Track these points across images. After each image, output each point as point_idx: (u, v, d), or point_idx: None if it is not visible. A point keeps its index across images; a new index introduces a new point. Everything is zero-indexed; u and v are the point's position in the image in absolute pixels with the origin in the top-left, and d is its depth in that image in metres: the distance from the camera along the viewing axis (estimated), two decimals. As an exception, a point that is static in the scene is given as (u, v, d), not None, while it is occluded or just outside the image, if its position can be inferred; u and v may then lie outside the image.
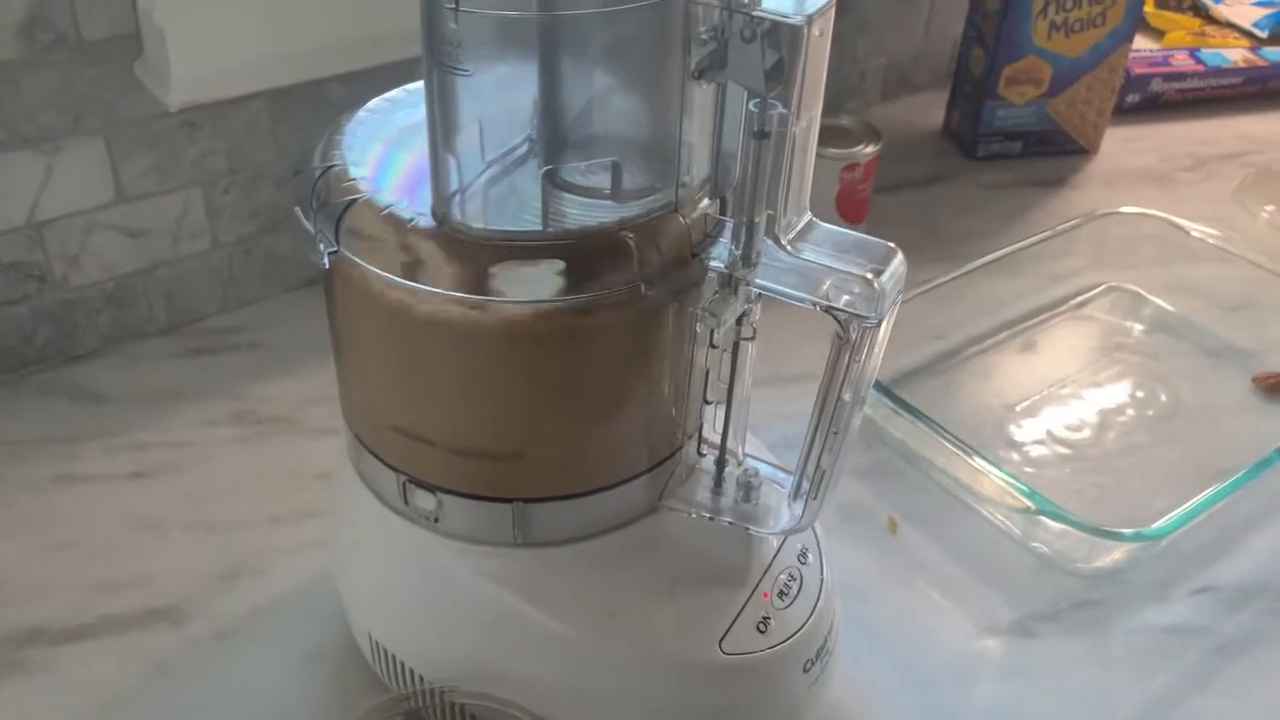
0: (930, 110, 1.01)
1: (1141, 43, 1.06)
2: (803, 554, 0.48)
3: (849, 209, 0.82)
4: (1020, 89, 0.92)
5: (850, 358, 0.39)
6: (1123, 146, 0.98)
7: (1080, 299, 0.79)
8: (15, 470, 0.62)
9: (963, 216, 0.88)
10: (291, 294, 0.76)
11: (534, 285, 0.37)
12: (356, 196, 0.38)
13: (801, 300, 0.38)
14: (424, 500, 0.43)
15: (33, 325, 0.67)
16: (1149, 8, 1.16)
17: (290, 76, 0.66)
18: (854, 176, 0.81)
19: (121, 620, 0.55)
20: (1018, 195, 0.91)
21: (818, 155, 0.39)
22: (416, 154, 0.40)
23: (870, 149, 0.81)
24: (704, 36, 0.35)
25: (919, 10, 1.00)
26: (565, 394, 0.41)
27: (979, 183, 0.93)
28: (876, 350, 0.39)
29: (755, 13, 0.34)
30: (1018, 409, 0.70)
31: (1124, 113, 1.01)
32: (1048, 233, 0.78)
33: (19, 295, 0.66)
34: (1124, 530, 0.56)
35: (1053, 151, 0.96)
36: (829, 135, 0.81)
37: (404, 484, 0.44)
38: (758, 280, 0.39)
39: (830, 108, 0.38)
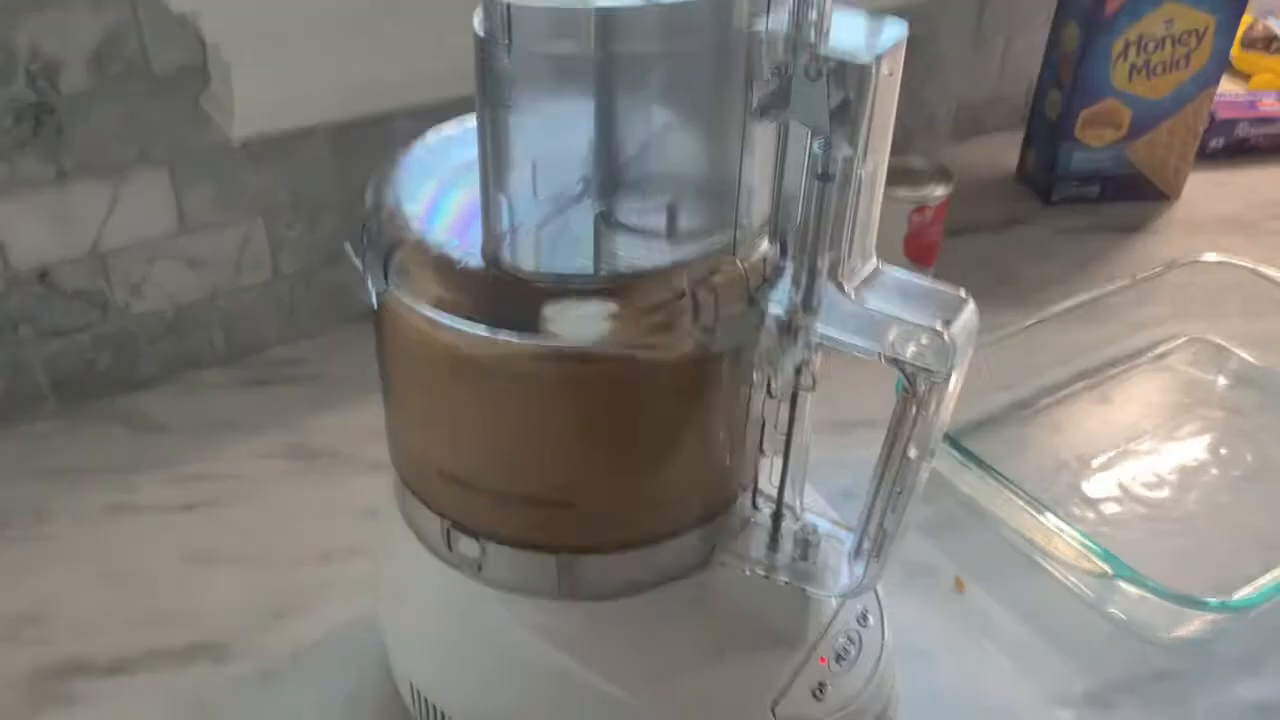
0: (1003, 152, 0.98)
1: (1226, 85, 1.02)
2: (862, 616, 0.45)
3: (917, 252, 0.80)
4: (1098, 132, 0.89)
5: (917, 413, 0.37)
6: (1206, 192, 0.95)
7: (1159, 350, 0.76)
8: (70, 499, 0.62)
9: (1037, 262, 0.85)
10: (351, 325, 0.76)
11: (585, 328, 0.36)
12: (407, 235, 0.38)
13: (865, 351, 0.36)
14: (468, 547, 0.42)
15: (94, 353, 0.68)
16: (1234, 49, 1.12)
17: (355, 110, 0.66)
18: (924, 219, 0.79)
19: (166, 656, 0.54)
20: (1095, 241, 0.88)
21: (886, 196, 0.38)
22: (470, 192, 0.39)
23: (941, 191, 0.79)
24: (766, 74, 0.34)
25: (993, 51, 0.98)
26: (614, 441, 0.39)
27: (1054, 227, 0.90)
28: (945, 406, 0.37)
29: (821, 50, 0.32)
30: (1093, 464, 0.66)
31: (1207, 157, 0.98)
32: (1126, 281, 0.75)
33: (81, 323, 0.66)
34: (1209, 599, 0.53)
35: (1132, 196, 0.92)
36: (898, 176, 0.79)
37: (448, 530, 0.42)
38: (819, 328, 0.37)
39: (899, 147, 0.37)
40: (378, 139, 0.70)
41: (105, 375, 0.69)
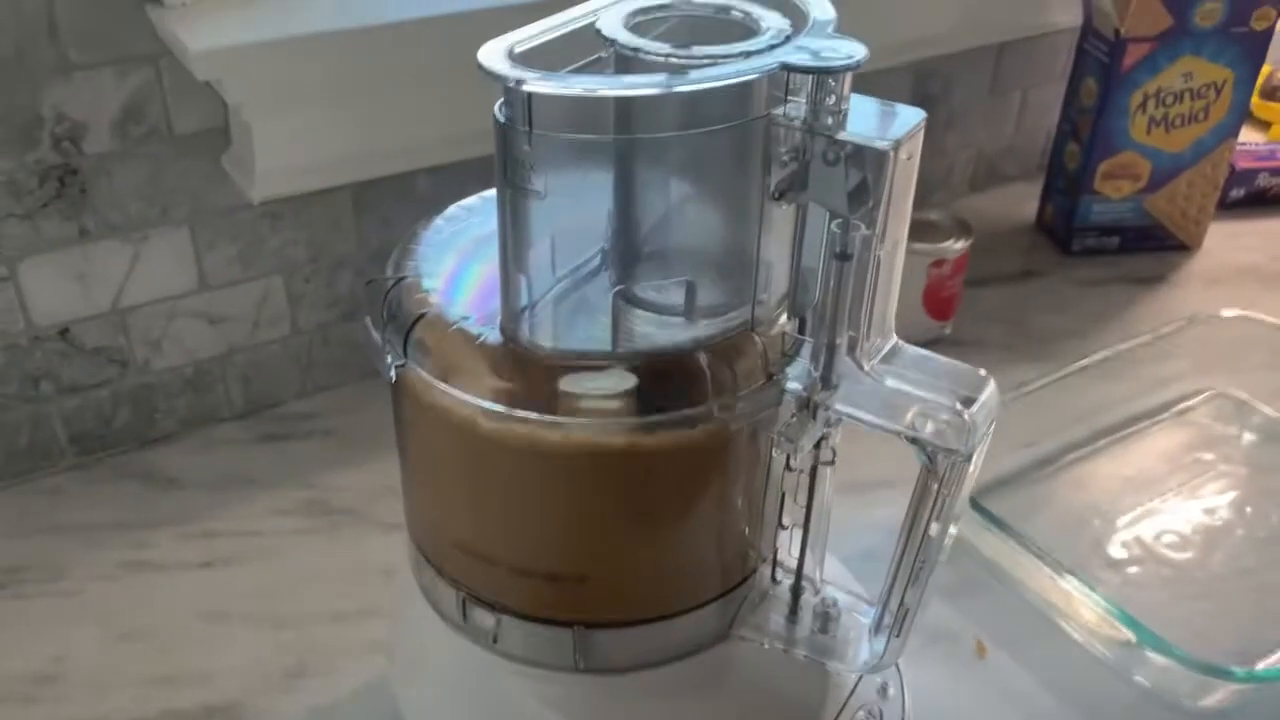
0: (1021, 202, 0.98)
1: (1246, 134, 1.02)
2: (883, 688, 0.45)
3: (936, 306, 0.80)
4: (1117, 184, 0.89)
5: (939, 490, 0.37)
6: (1226, 243, 0.94)
7: (1182, 406, 0.75)
8: (87, 555, 0.62)
9: (1056, 314, 0.85)
10: (368, 381, 0.76)
11: (603, 406, 0.36)
12: (426, 310, 0.38)
13: (885, 429, 0.36)
14: (483, 619, 0.42)
15: (112, 408, 0.68)
16: (1254, 99, 1.12)
17: (374, 171, 0.67)
18: (942, 272, 0.78)
19: (180, 717, 0.54)
20: (1114, 293, 0.88)
21: (905, 250, 0.37)
22: (490, 265, 0.39)
23: (960, 244, 0.78)
24: (785, 158, 0.34)
25: (1010, 103, 0.98)
26: (631, 517, 0.39)
27: (1073, 279, 0.89)
28: (966, 483, 0.37)
29: (839, 136, 0.32)
30: (1116, 523, 0.66)
31: (1227, 208, 0.97)
32: (1148, 335, 0.74)
33: (101, 379, 0.67)
34: (1235, 669, 0.52)
35: (1152, 248, 0.92)
36: (917, 229, 0.78)
37: (463, 600, 0.42)
38: (837, 405, 0.37)
39: (918, 200, 0.37)
40: (396, 195, 0.70)
41: (123, 431, 0.69)
